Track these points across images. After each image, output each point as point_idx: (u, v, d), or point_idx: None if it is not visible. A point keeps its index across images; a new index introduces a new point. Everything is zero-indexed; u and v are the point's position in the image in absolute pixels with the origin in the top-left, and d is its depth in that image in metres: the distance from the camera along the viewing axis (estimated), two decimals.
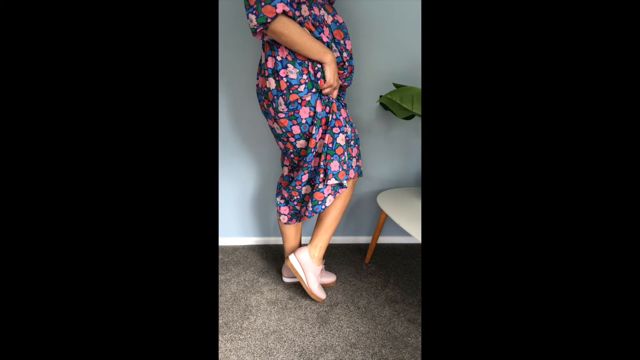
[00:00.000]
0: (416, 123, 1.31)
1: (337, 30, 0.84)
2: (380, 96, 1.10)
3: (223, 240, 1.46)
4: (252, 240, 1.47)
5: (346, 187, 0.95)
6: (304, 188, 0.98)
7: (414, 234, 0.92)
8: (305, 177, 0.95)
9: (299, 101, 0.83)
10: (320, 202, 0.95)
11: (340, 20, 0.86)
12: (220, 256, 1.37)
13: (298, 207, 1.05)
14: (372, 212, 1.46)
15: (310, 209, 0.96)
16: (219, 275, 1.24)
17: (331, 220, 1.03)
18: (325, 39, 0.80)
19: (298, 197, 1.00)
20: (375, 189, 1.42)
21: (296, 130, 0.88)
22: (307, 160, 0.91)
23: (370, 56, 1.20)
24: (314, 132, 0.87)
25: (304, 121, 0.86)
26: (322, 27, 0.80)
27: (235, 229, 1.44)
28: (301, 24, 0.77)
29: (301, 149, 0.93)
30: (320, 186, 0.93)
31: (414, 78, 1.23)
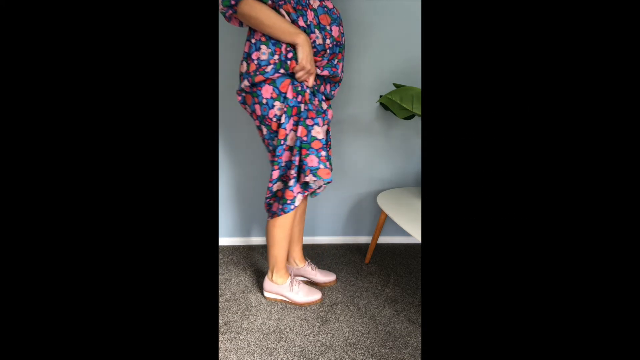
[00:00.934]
0: (416, 123, 1.31)
1: (324, 15, 0.82)
2: (380, 96, 1.10)
3: (223, 240, 1.46)
4: (252, 240, 1.47)
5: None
6: (275, 185, 0.93)
7: (414, 234, 0.92)
8: (275, 174, 0.90)
9: (264, 80, 0.81)
10: (289, 202, 0.91)
11: (330, 6, 0.83)
12: (220, 256, 1.37)
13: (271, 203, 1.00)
14: (372, 212, 1.46)
15: (280, 206, 0.92)
16: (219, 275, 1.23)
17: (270, 239, 1.01)
18: (302, 23, 0.78)
19: (269, 194, 0.96)
20: (375, 189, 1.42)
21: (257, 110, 0.84)
22: (277, 154, 0.87)
23: (370, 56, 1.20)
24: (283, 121, 0.82)
25: (264, 101, 0.82)
26: (305, 11, 0.78)
27: (235, 229, 1.44)
28: (279, 6, 0.76)
29: (267, 139, 0.89)
30: (291, 183, 0.88)
31: (414, 78, 1.23)
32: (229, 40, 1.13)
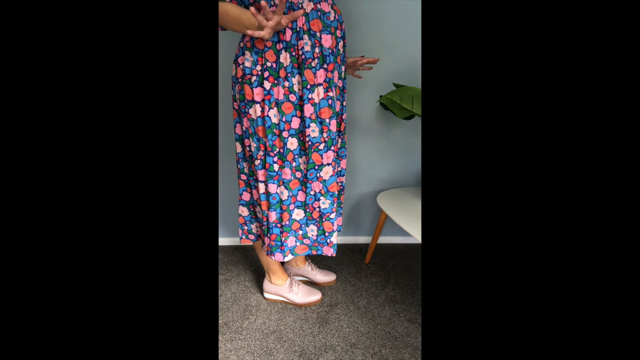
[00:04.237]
0: (416, 123, 1.31)
1: (316, 20, 0.73)
2: (381, 96, 1.10)
3: (223, 240, 1.46)
4: None
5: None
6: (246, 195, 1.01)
7: (414, 234, 0.92)
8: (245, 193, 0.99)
9: (251, 99, 0.79)
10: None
11: (326, 10, 0.75)
12: (220, 256, 1.37)
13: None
14: (372, 212, 1.46)
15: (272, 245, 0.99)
16: (219, 275, 1.23)
17: (257, 250, 1.08)
18: (288, 33, 0.72)
19: (249, 210, 1.01)
20: (375, 189, 1.42)
21: (245, 123, 0.83)
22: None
23: (370, 56, 1.20)
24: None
25: (254, 117, 0.82)
26: None
27: (235, 229, 1.44)
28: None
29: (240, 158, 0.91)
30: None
31: (414, 78, 1.23)
32: (229, 42, 1.13)
